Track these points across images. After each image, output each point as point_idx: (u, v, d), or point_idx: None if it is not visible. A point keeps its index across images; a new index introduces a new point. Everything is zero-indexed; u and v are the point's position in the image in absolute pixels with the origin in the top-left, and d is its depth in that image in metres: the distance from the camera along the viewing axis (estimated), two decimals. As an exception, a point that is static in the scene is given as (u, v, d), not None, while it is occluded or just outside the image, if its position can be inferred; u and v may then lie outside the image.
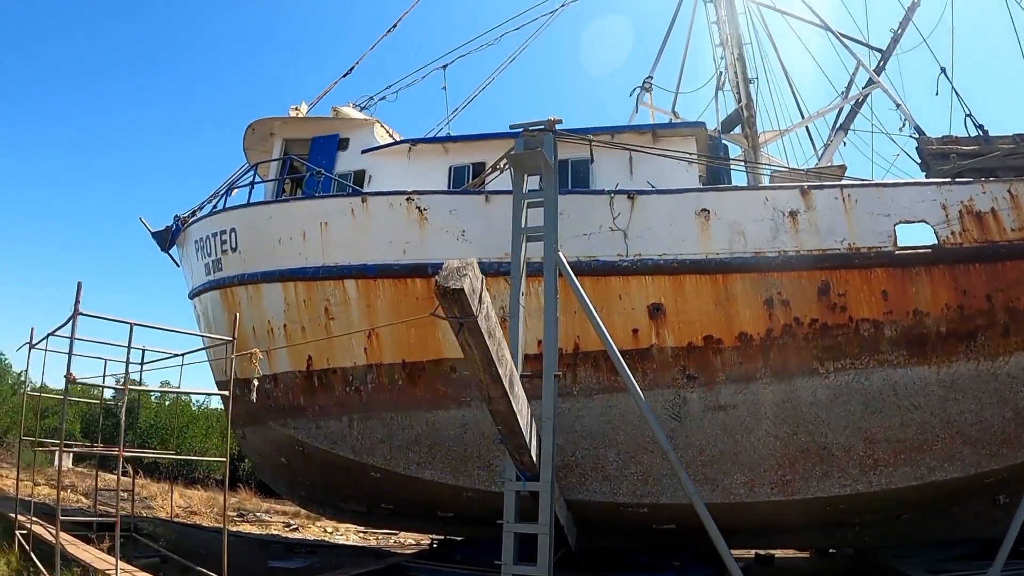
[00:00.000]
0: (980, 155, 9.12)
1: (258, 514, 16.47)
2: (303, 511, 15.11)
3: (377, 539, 14.55)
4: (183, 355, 9.66)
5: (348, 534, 14.91)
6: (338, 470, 10.04)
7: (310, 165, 10.47)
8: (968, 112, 10.30)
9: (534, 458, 7.48)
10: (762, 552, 11.32)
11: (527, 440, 7.06)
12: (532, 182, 8.70)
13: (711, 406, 8.49)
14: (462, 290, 5.11)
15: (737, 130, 11.23)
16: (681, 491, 8.14)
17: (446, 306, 5.31)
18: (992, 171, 9.03)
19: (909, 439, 8.37)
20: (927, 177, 9.38)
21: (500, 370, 6.09)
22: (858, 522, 9.19)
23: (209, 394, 10.64)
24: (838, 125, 11.78)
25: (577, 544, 9.15)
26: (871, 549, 9.70)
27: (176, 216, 11.45)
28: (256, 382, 8.24)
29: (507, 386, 6.30)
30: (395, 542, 14.15)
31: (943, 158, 9.20)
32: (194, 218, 11.28)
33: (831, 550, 11.41)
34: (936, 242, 8.52)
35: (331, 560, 10.70)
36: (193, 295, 11.90)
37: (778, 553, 11.64)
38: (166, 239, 11.74)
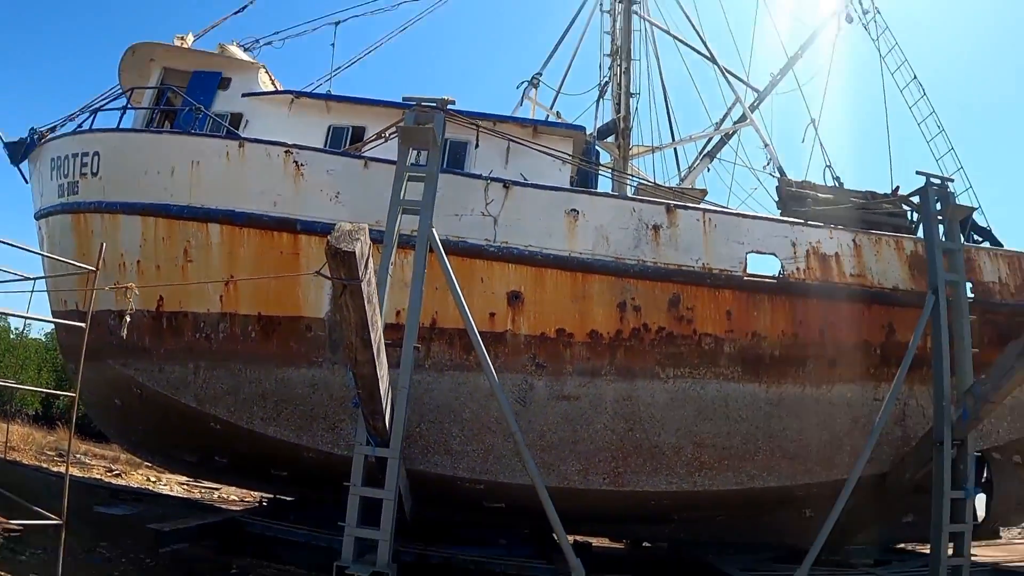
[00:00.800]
0: (834, 203, 10.19)
1: (78, 455, 15.94)
2: (123, 456, 14.83)
3: (200, 492, 14.53)
4: (34, 280, 9.33)
5: (172, 484, 14.78)
6: (176, 417, 10.00)
7: (188, 99, 10.32)
8: (828, 163, 11.46)
9: (386, 425, 7.82)
10: (580, 539, 12.19)
11: (383, 407, 7.38)
12: (413, 156, 9.00)
13: (556, 395, 9.09)
14: (353, 253, 5.30)
15: (611, 139, 11.94)
16: (518, 472, 8.71)
17: (334, 267, 5.47)
18: (842, 220, 10.11)
19: (734, 447, 9.28)
20: (782, 215, 10.37)
21: (372, 335, 6.35)
22: (677, 518, 10.13)
23: (60, 323, 10.17)
24: (706, 151, 12.75)
25: (412, 513, 9.59)
26: (685, 544, 10.72)
27: (32, 129, 10.96)
28: (128, 318, 8.11)
29: (375, 351, 6.58)
30: (219, 497, 14.16)
31: (799, 200, 10.21)
32: (54, 134, 10.88)
33: (645, 543, 12.42)
34: (782, 274, 9.46)
35: (158, 510, 10.66)
36: (40, 216, 11.42)
37: (594, 542, 12.56)
38: (19, 152, 11.23)
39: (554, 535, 8.29)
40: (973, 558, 12.01)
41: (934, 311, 9.04)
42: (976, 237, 11.27)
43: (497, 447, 9.14)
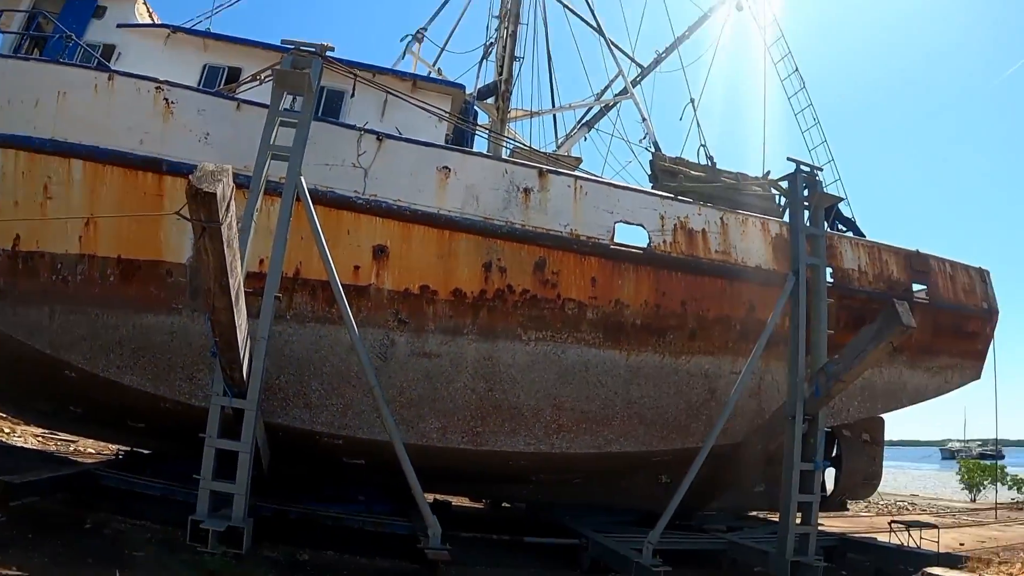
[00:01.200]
0: (705, 182, 10.70)
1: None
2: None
3: (56, 445, 14.16)
4: None
5: (27, 436, 14.35)
6: (29, 364, 9.76)
7: (59, 26, 10.11)
8: (704, 143, 12.04)
9: (244, 375, 7.83)
10: (440, 498, 12.42)
11: (241, 356, 7.38)
12: (288, 102, 9.06)
13: (417, 352, 9.25)
14: (214, 195, 5.31)
15: (491, 101, 12.26)
16: (377, 428, 8.84)
17: (194, 208, 5.45)
18: (711, 198, 10.62)
19: (592, 412, 9.61)
20: (653, 188, 10.83)
21: (230, 281, 6.34)
22: (535, 480, 10.44)
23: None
24: (584, 121, 13.20)
25: (270, 467, 9.60)
26: (543, 506, 11.08)
27: None
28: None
29: (233, 298, 6.58)
30: (75, 450, 13.82)
31: (671, 175, 10.69)
32: (-97, 52, 10.46)
33: (505, 503, 12.74)
34: (648, 246, 9.88)
35: (10, 463, 10.34)
36: None
37: (454, 501, 12.78)
38: None
39: (413, 491, 8.44)
40: (821, 527, 12.83)
41: (794, 291, 9.56)
42: (841, 227, 11.99)
43: (356, 402, 9.23)
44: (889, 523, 11.89)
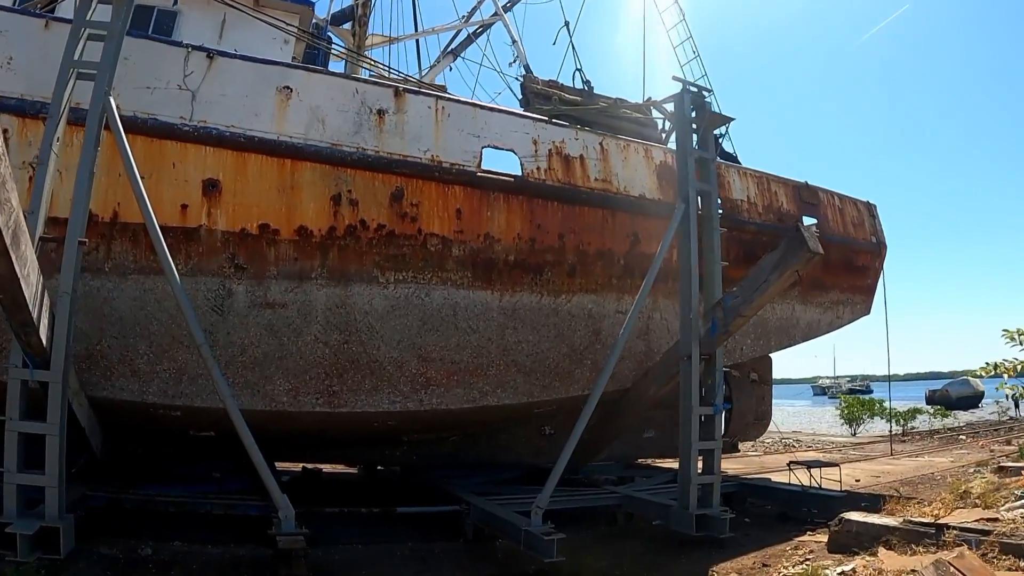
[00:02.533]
0: (581, 105, 10.34)
1: None
2: None
3: None
4: None
5: None
6: None
7: None
8: (579, 67, 11.70)
9: (44, 341, 6.90)
10: (310, 466, 11.82)
11: (36, 316, 6.44)
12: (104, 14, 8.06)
13: (259, 302, 8.48)
14: None
15: (346, 26, 11.59)
16: (217, 394, 8.07)
17: None
18: (587, 123, 10.26)
19: (464, 361, 9.11)
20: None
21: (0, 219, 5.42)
22: (407, 440, 9.91)
23: None
24: (450, 49, 12.71)
25: (102, 449, 8.68)
26: (419, 468, 10.56)
27: None
28: None
29: (8, 240, 5.64)
30: None
31: (545, 99, 10.25)
32: None
33: (380, 467, 12.24)
34: (521, 174, 9.42)
35: None
36: None
37: (327, 468, 12.20)
38: None
39: (257, 468, 7.71)
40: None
41: (683, 220, 9.23)
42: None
43: (191, 366, 8.35)
44: (788, 464, 11.97)
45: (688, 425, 8.70)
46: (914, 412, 30.06)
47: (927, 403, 38.45)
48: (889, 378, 16.40)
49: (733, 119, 10.66)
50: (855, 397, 36.75)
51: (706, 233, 9.31)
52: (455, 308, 8.97)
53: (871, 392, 48.70)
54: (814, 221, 12.75)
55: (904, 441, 24.05)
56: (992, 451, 19.32)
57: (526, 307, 9.33)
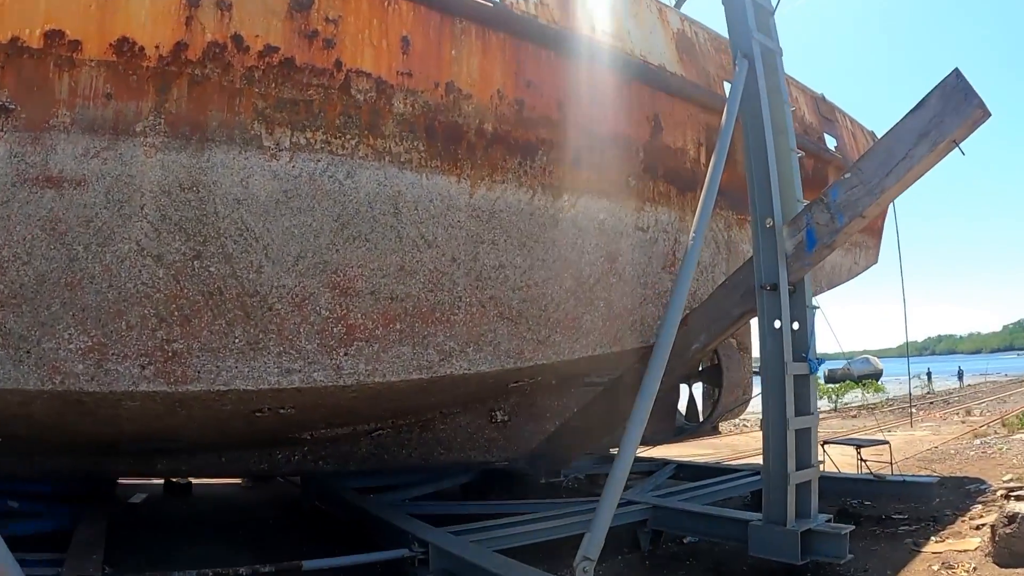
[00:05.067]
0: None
1: None
2: None
3: None
4: None
5: None
6: None
7: None
8: None
9: None
10: (179, 480, 9.06)
11: None
12: None
13: (35, 177, 4.57)
14: None
15: None
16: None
17: None
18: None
19: (414, 298, 5.58)
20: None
21: None
22: (310, 437, 6.43)
23: None
24: None
25: None
26: (325, 477, 7.26)
27: None
28: None
29: None
30: None
31: None
32: None
33: (281, 478, 9.32)
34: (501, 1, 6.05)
35: None
36: None
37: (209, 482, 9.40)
38: None
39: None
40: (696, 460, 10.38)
41: (749, 82, 6.14)
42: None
43: None
44: (857, 449, 9.36)
45: (778, 392, 5.65)
46: (845, 388, 30.68)
47: (827, 382, 38.01)
48: (908, 350, 14.33)
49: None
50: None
51: (775, 107, 6.35)
52: (397, 203, 5.44)
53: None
54: (834, 142, 10.39)
55: (854, 416, 22.86)
56: (964, 422, 18.54)
57: (511, 210, 5.94)
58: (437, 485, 8.16)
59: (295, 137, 5.06)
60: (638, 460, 9.47)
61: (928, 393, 33.20)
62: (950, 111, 5.14)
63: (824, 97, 10.56)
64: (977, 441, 13.19)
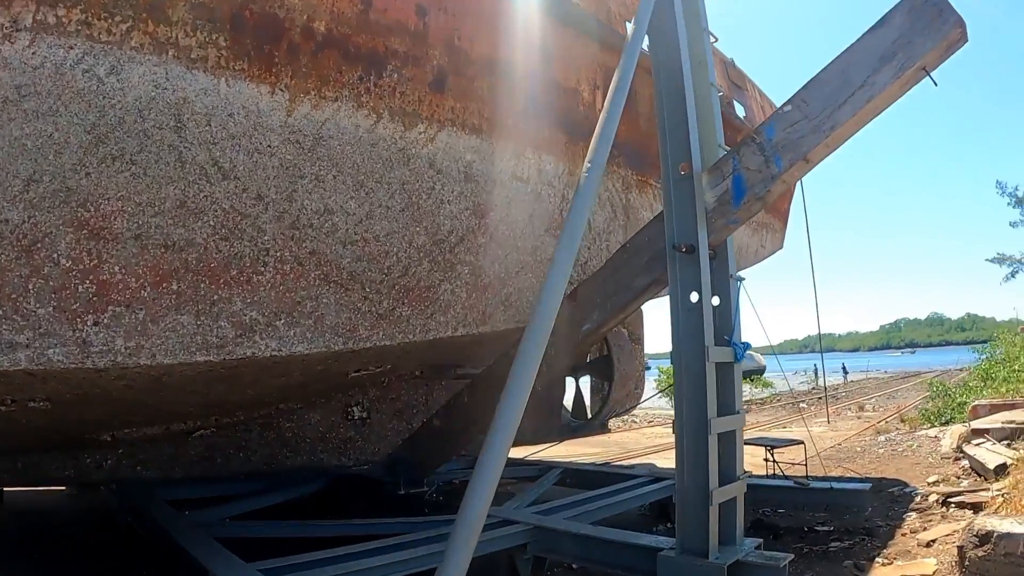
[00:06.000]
0: None
1: None
2: None
3: None
4: None
5: None
6: None
7: None
8: None
9: None
10: None
11: None
12: None
13: None
14: None
15: None
16: None
17: None
18: None
19: (197, 246, 4.14)
20: None
21: None
22: (110, 439, 5.09)
23: None
24: None
25: None
26: (144, 486, 5.99)
27: None
28: None
29: None
30: None
31: None
32: None
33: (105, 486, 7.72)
34: None
35: None
36: None
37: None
38: None
39: None
40: (585, 462, 9.72)
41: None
42: None
43: None
44: (768, 450, 8.50)
45: (696, 385, 4.52)
46: None
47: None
48: (821, 344, 13.82)
49: None
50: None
51: (693, 33, 5.22)
52: (181, 114, 3.99)
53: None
54: (743, 111, 9.52)
55: (748, 411, 22.72)
56: (859, 417, 18.62)
57: (345, 137, 4.58)
58: (284, 495, 6.81)
59: (41, 13, 3.54)
60: (517, 465, 8.48)
61: (814, 388, 33.88)
62: (920, 30, 4.12)
63: (734, 62, 9.68)
64: (881, 438, 12.93)
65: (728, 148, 4.90)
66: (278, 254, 4.38)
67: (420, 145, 4.88)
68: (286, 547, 4.81)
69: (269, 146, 4.25)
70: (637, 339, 10.33)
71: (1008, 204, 39.70)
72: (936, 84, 4.11)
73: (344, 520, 5.97)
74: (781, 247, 11.26)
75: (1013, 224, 41.18)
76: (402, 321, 4.88)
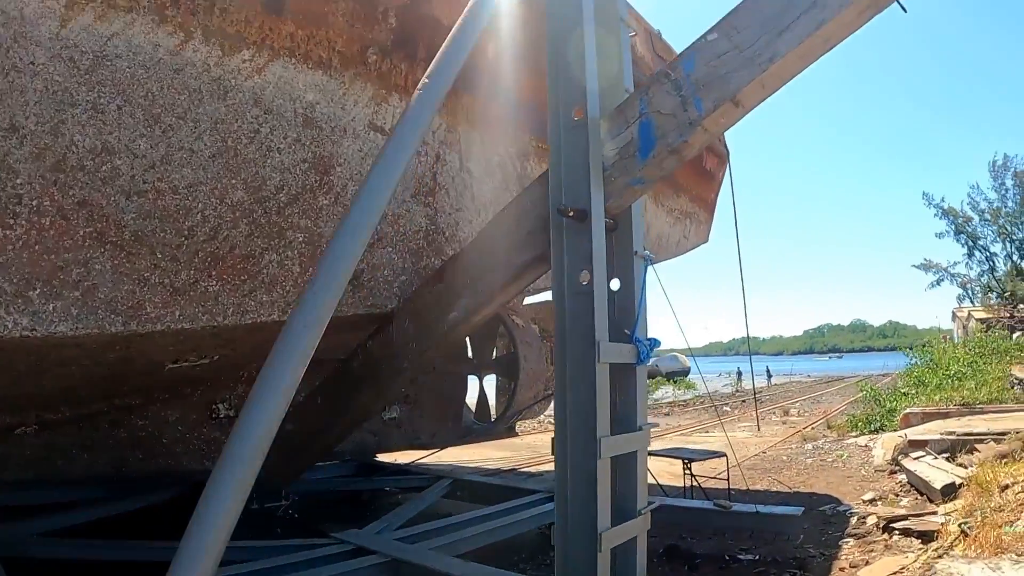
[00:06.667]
0: None
1: None
2: None
3: None
4: None
5: None
6: None
7: None
8: None
9: None
10: None
11: None
12: None
13: None
14: None
15: None
16: None
17: None
18: None
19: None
20: None
21: None
22: None
23: None
24: None
25: None
26: None
27: None
28: None
29: None
30: None
31: None
32: None
33: None
34: None
35: None
36: None
37: None
38: None
39: None
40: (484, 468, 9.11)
41: None
42: None
43: None
44: (685, 464, 7.80)
45: (583, 392, 3.61)
46: (656, 385, 30.47)
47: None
48: (749, 346, 13.13)
49: None
50: None
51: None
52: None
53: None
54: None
55: (667, 414, 22.27)
56: (785, 422, 18.37)
57: (139, 58, 3.56)
58: (128, 505, 5.84)
59: None
60: (405, 473, 7.74)
61: (738, 391, 34.03)
62: None
63: (661, 34, 8.91)
64: (809, 446, 12.43)
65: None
66: (33, 203, 3.35)
67: (243, 76, 3.89)
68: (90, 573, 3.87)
69: (31, 63, 3.22)
70: (550, 335, 9.60)
71: (934, 215, 40.69)
72: (905, 10, 3.31)
73: (171, 542, 4.96)
74: (706, 240, 10.61)
75: (939, 235, 42.20)
76: (208, 299, 3.89)
